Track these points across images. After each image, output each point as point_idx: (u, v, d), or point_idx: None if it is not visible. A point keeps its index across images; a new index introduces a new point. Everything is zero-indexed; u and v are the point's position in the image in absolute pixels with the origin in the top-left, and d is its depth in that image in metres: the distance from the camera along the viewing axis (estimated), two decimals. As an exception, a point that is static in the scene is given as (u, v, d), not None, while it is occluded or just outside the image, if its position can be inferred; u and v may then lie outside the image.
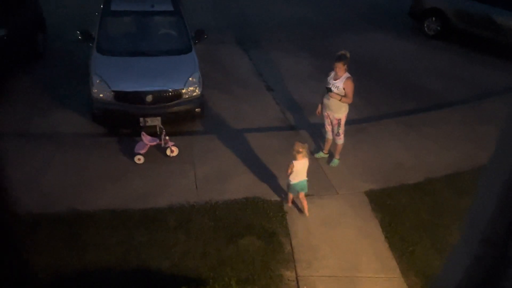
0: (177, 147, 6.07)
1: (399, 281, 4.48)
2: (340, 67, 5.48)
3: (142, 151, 5.91)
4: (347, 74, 5.54)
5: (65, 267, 4.39)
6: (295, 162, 4.99)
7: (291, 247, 4.78)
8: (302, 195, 5.16)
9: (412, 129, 7.03)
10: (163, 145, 5.99)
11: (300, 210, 5.24)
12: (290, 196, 5.26)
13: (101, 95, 6.32)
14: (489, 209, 0.89)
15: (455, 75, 9.01)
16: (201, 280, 4.31)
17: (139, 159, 5.89)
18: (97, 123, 6.65)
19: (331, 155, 6.16)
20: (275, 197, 5.44)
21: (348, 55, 5.52)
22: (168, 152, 6.03)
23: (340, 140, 5.95)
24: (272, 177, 5.79)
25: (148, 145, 5.95)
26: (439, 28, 10.72)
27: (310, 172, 5.90)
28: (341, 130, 5.86)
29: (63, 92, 7.52)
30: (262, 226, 4.99)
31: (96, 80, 6.36)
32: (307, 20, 11.37)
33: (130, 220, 4.95)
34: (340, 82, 5.54)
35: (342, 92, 5.55)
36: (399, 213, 5.29)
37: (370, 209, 5.36)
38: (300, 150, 4.94)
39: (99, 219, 4.93)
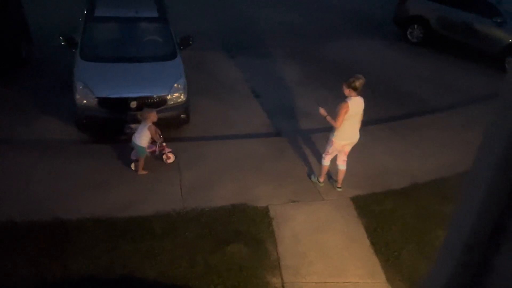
0: (173, 153, 6.01)
1: (385, 287, 4.50)
2: (344, 88, 5.27)
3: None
4: (347, 98, 5.24)
5: (48, 277, 4.29)
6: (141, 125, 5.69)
7: (278, 254, 4.76)
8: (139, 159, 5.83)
9: (397, 134, 7.11)
10: (157, 152, 5.93)
11: (287, 217, 5.23)
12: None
13: (84, 102, 6.23)
14: (472, 216, 0.89)
15: (439, 81, 9.17)
16: (188, 288, 4.26)
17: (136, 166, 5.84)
18: (81, 130, 6.56)
19: (316, 170, 6.01)
20: (261, 204, 5.43)
21: (356, 80, 5.16)
22: (164, 158, 5.98)
23: (322, 160, 5.68)
24: (259, 183, 5.78)
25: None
26: (421, 35, 10.91)
27: (295, 178, 5.94)
28: (326, 149, 5.57)
29: (48, 99, 7.40)
30: (248, 233, 4.97)
31: (79, 87, 6.28)
32: (294, 26, 11.44)
33: (115, 228, 4.88)
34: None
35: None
36: (385, 218, 5.32)
37: (356, 215, 5.38)
38: (145, 115, 5.67)
39: (83, 228, 4.84)
